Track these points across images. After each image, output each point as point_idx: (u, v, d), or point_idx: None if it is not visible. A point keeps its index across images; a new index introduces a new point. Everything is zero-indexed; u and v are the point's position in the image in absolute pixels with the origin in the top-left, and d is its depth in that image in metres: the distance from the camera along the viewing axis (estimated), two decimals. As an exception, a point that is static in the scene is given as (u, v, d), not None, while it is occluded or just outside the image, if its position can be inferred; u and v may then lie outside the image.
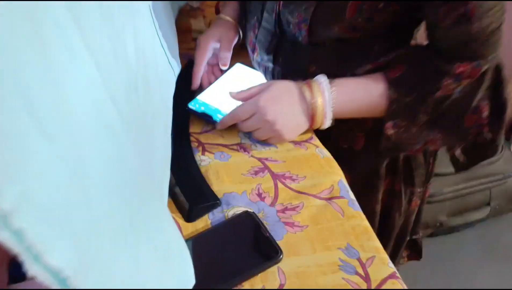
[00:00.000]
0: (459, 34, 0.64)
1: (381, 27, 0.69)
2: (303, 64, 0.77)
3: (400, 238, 0.98)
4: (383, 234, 0.94)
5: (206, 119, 0.77)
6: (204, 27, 1.01)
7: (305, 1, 0.68)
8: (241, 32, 0.87)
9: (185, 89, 0.82)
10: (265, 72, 0.85)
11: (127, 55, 0.46)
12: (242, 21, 0.88)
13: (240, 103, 0.73)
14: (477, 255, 1.71)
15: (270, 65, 0.82)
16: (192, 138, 0.76)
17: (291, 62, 0.79)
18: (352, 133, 0.83)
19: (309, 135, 0.76)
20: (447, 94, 0.69)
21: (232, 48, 0.84)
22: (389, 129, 0.72)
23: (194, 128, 0.78)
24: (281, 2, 0.72)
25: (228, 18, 0.86)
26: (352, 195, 0.67)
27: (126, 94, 0.42)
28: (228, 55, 0.83)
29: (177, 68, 0.76)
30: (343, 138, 0.84)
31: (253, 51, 0.83)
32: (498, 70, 0.71)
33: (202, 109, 0.78)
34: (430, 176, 0.92)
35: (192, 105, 0.78)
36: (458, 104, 0.70)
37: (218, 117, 0.76)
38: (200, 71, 0.82)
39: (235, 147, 0.74)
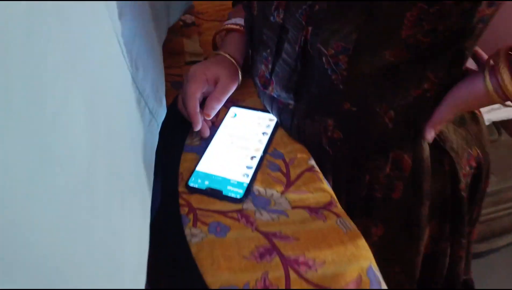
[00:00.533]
0: None
1: (444, 38, 0.53)
2: (334, 102, 0.62)
3: (450, 284, 0.83)
4: (428, 283, 0.79)
5: (214, 196, 0.61)
6: (199, 48, 0.85)
7: (343, 25, 0.52)
8: (240, 78, 0.71)
9: (174, 137, 0.67)
10: (281, 110, 0.69)
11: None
12: (243, 62, 0.73)
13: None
14: (503, 281, 1.56)
15: (291, 102, 0.66)
16: (181, 201, 0.61)
17: (318, 100, 0.63)
18: (389, 181, 0.68)
19: (327, 198, 0.60)
20: None
21: (224, 99, 0.70)
22: None
23: (183, 186, 0.62)
24: (310, 29, 0.55)
25: (230, 58, 0.70)
26: (384, 286, 0.51)
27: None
28: (218, 106, 0.69)
29: (161, 114, 0.60)
30: (379, 187, 0.69)
31: (266, 86, 0.67)
32: None
33: (206, 183, 0.62)
34: (479, 214, 0.78)
35: (192, 183, 0.63)
36: None
37: (229, 190, 0.61)
38: (197, 107, 0.67)
39: (235, 215, 0.58)
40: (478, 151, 0.69)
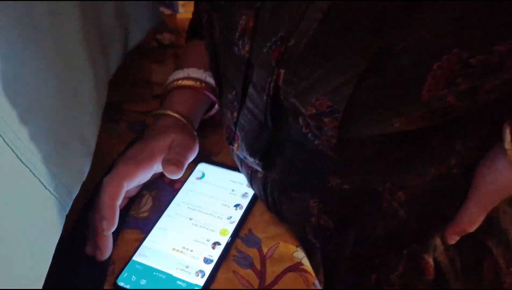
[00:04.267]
0: None
1: (481, 102, 0.33)
2: (318, 175, 0.42)
3: None
4: None
5: None
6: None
7: (334, 73, 0.32)
8: (197, 147, 0.52)
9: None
10: (251, 178, 0.50)
11: None
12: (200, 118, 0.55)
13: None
14: None
15: (259, 170, 0.47)
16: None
17: (296, 171, 0.44)
18: (404, 283, 0.48)
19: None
20: None
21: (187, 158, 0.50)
22: None
23: (111, 284, 0.44)
24: (282, 73, 0.36)
25: (178, 117, 0.52)
26: None
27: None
28: (182, 161, 0.49)
29: (72, 192, 0.41)
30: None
31: (232, 141, 0.48)
32: None
33: (142, 283, 0.43)
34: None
35: (123, 280, 0.44)
36: None
37: None
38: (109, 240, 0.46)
39: None
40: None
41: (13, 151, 0.33)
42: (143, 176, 0.48)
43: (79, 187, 0.41)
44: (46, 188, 0.36)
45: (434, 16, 0.28)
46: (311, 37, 0.32)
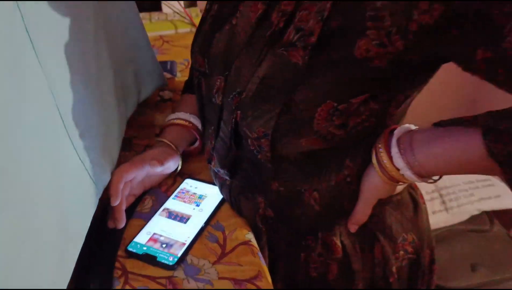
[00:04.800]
0: None
1: (357, 132, 0.58)
2: (264, 181, 0.66)
3: None
4: None
5: (148, 261, 0.64)
6: (169, 122, 0.91)
7: (264, 113, 0.57)
8: (180, 163, 0.77)
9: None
10: (221, 185, 0.74)
11: None
12: (185, 147, 0.79)
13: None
14: None
15: (227, 178, 0.71)
16: (117, 264, 0.64)
17: (250, 178, 0.68)
18: (323, 261, 0.70)
19: (255, 272, 0.62)
20: None
21: (166, 163, 0.73)
22: None
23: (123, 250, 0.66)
24: (239, 113, 0.61)
25: (169, 143, 0.76)
26: None
27: None
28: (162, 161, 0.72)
29: (103, 180, 0.64)
30: (314, 266, 0.70)
31: (210, 161, 0.72)
32: None
33: (144, 249, 0.65)
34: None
35: (131, 247, 0.66)
36: None
37: (162, 257, 0.64)
38: (120, 185, 0.68)
39: (163, 281, 0.61)
40: (414, 236, 0.71)
41: (70, 138, 0.56)
42: (138, 172, 0.69)
43: (107, 181, 0.65)
44: (89, 174, 0.60)
45: (318, 82, 0.53)
46: (253, 93, 0.57)
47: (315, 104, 0.53)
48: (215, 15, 0.65)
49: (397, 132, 0.59)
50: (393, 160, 0.58)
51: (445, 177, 0.62)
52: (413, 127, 0.61)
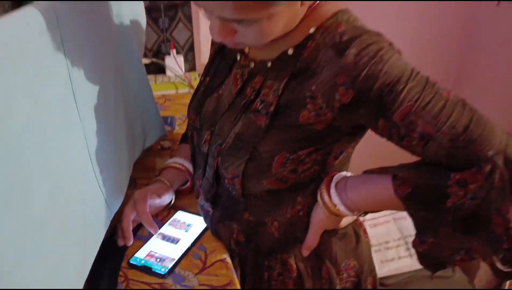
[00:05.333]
0: (437, 149, 0.64)
1: (304, 176, 0.78)
2: (237, 212, 0.85)
3: None
4: None
5: (145, 271, 0.82)
6: (167, 166, 1.12)
7: (237, 159, 0.78)
8: (173, 198, 0.97)
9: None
10: (205, 216, 0.93)
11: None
12: (178, 185, 0.99)
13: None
14: None
15: (210, 210, 0.90)
16: (121, 273, 0.82)
17: (227, 210, 0.87)
18: (282, 280, 0.88)
19: (227, 281, 0.81)
20: (459, 202, 0.64)
21: (164, 197, 0.94)
22: (418, 246, 0.73)
23: (126, 263, 0.84)
24: (219, 159, 0.81)
25: (166, 181, 0.96)
26: None
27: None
28: (159, 199, 0.93)
29: (115, 206, 0.84)
30: (275, 283, 0.88)
31: (198, 196, 0.92)
32: (511, 165, 0.62)
33: (142, 262, 0.84)
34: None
35: (132, 261, 0.84)
36: (477, 210, 0.64)
37: (156, 268, 0.82)
38: (128, 225, 0.89)
39: (156, 286, 0.79)
40: (356, 263, 0.90)
41: (94, 172, 0.76)
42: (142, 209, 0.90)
43: (117, 208, 0.84)
44: (105, 200, 0.79)
45: (275, 138, 0.74)
46: (230, 145, 0.78)
47: (273, 154, 0.74)
48: (207, 85, 0.87)
49: (335, 178, 0.79)
50: (331, 198, 0.78)
51: (410, 226, 0.81)
52: (348, 174, 0.81)
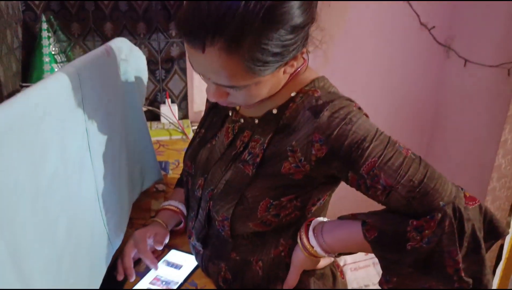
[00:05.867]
0: (398, 199, 0.75)
1: (286, 220, 0.88)
2: (226, 252, 0.95)
3: None
4: None
5: None
6: (161, 208, 1.22)
7: (227, 203, 0.88)
8: (168, 238, 1.06)
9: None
10: (196, 254, 1.02)
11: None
12: (172, 226, 1.08)
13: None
14: None
15: (201, 249, 1.00)
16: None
17: (216, 249, 0.97)
18: None
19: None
20: (417, 245, 0.74)
21: (164, 239, 1.03)
22: (384, 285, 0.81)
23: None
24: (211, 203, 0.92)
25: (162, 222, 1.05)
26: None
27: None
28: (160, 245, 1.01)
29: (117, 243, 0.94)
30: None
31: (190, 236, 1.02)
32: (459, 213, 0.73)
33: None
34: None
35: None
36: (432, 253, 0.74)
37: None
38: (130, 262, 0.97)
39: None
40: (333, 300, 0.99)
41: (101, 212, 0.86)
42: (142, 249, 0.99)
43: (119, 244, 0.94)
44: (108, 237, 0.89)
45: (260, 186, 0.85)
46: (221, 190, 0.89)
47: (258, 200, 0.85)
48: (202, 137, 0.99)
49: (313, 223, 0.90)
50: (309, 241, 0.88)
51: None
52: (325, 219, 0.92)
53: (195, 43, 0.69)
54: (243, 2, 0.65)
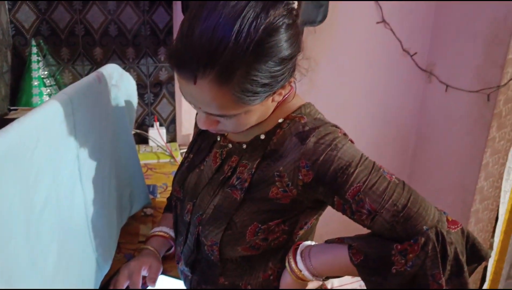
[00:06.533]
0: (382, 223, 0.77)
1: (274, 244, 0.89)
2: (214, 277, 0.96)
3: None
4: None
5: None
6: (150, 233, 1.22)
7: (215, 228, 0.89)
8: (161, 270, 1.06)
9: None
10: (185, 279, 1.03)
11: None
12: (164, 253, 1.09)
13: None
14: None
15: (189, 274, 1.00)
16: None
17: (205, 274, 0.97)
18: None
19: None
20: (402, 269, 0.76)
21: (157, 276, 1.03)
22: None
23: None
24: (200, 228, 0.93)
25: (154, 250, 1.05)
26: None
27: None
28: (153, 282, 1.01)
29: (105, 268, 0.94)
30: None
31: (178, 261, 1.03)
32: (442, 237, 0.76)
33: None
34: None
35: None
36: (416, 276, 0.76)
37: None
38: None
39: None
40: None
41: (90, 238, 0.86)
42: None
43: (107, 269, 0.94)
44: (97, 263, 0.89)
45: (248, 210, 0.87)
46: (209, 215, 0.90)
47: (247, 225, 0.86)
48: (190, 161, 1.01)
49: (300, 247, 0.91)
50: (297, 265, 0.90)
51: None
52: (312, 243, 0.94)
53: (186, 75, 0.71)
54: (234, 35, 0.68)
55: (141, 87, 1.83)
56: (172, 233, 1.10)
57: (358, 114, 2.16)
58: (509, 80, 1.71)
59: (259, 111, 0.82)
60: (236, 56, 0.68)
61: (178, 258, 1.03)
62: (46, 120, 0.68)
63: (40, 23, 1.65)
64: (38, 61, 1.62)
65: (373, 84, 2.11)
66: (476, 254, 0.81)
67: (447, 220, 0.79)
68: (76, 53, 1.73)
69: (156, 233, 1.10)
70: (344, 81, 2.07)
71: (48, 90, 1.63)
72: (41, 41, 1.67)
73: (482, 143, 1.85)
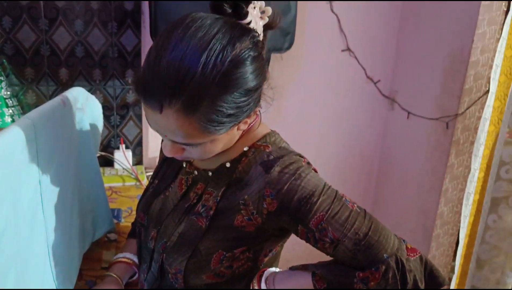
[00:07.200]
0: (344, 251, 0.79)
1: (239, 272, 0.89)
2: None
3: None
4: None
5: None
6: (113, 259, 1.20)
7: (180, 256, 0.89)
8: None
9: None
10: (148, 306, 1.02)
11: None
12: (127, 279, 1.07)
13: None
14: None
15: None
16: None
17: None
18: None
19: None
20: None
21: None
22: None
23: None
24: (164, 255, 0.92)
25: (117, 277, 1.04)
26: None
27: None
28: None
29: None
30: None
31: (142, 289, 1.01)
32: (401, 265, 0.78)
33: None
34: None
35: None
36: None
37: None
38: None
39: None
40: None
41: (50, 265, 0.84)
42: None
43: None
44: (56, 286, 0.87)
45: (213, 238, 0.87)
46: (174, 243, 0.89)
47: (211, 252, 0.86)
48: (155, 187, 1.01)
49: (265, 273, 0.92)
50: None
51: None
52: (277, 270, 0.94)
53: (153, 104, 0.71)
54: (201, 67, 0.69)
55: (107, 109, 1.81)
56: (136, 259, 1.08)
57: (323, 140, 2.20)
58: (466, 109, 1.79)
59: (225, 139, 0.83)
60: (202, 87, 0.69)
61: (142, 285, 1.01)
62: (7, 146, 0.67)
63: (4, 42, 1.63)
64: (1, 81, 1.58)
65: (338, 110, 2.16)
66: (434, 281, 0.83)
67: (407, 247, 0.81)
68: (41, 73, 1.70)
69: (119, 259, 1.08)
70: (309, 107, 2.11)
71: (11, 111, 1.59)
72: (4, 60, 1.64)
73: (441, 169, 1.91)
